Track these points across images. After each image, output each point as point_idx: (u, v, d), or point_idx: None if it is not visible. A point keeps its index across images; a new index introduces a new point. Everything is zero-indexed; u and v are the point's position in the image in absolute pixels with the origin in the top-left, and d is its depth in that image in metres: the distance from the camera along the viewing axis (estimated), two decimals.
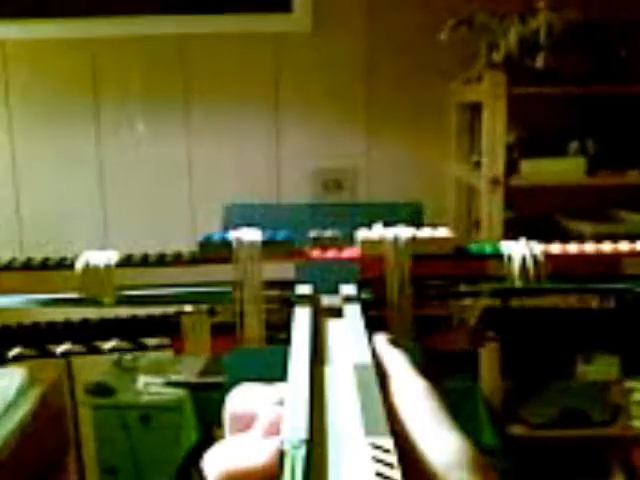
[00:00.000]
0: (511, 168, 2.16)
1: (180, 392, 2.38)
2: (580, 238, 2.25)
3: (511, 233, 2.25)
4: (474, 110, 2.41)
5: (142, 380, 2.45)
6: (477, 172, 2.23)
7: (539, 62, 2.15)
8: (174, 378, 2.43)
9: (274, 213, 2.43)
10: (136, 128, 2.60)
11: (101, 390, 2.42)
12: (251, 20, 2.50)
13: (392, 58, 2.54)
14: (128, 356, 2.55)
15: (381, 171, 2.60)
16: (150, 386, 2.43)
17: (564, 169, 2.23)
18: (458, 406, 2.12)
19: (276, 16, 2.50)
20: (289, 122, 2.59)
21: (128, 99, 2.58)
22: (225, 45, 2.54)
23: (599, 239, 1.83)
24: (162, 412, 2.38)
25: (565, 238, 1.99)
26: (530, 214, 2.40)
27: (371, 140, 2.59)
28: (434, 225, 0.47)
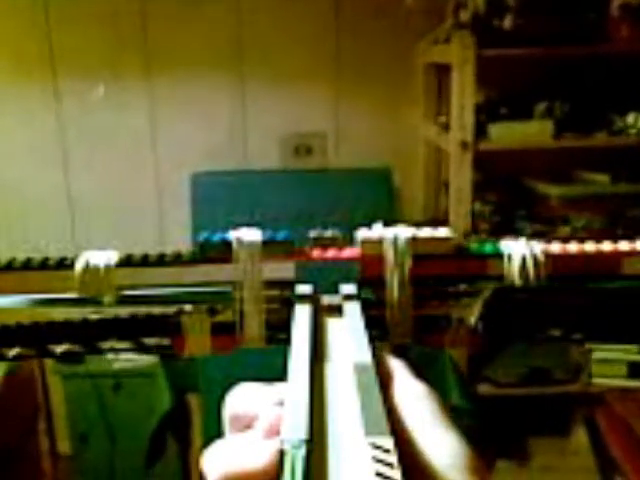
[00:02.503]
0: (479, 131, 2.16)
1: (152, 359, 2.37)
2: (546, 199, 2.28)
3: (479, 194, 2.27)
4: (441, 71, 2.41)
5: None
6: (446, 134, 2.24)
7: (507, 23, 2.15)
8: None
9: (243, 180, 2.42)
10: (97, 97, 2.51)
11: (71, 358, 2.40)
12: None
13: (360, 18, 2.49)
14: None
15: (351, 134, 2.58)
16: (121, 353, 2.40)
17: (531, 132, 2.24)
18: (426, 368, 2.15)
19: None
20: (255, 86, 2.53)
21: (87, 63, 2.49)
22: (187, 5, 2.47)
23: (564, 200, 1.85)
24: (134, 379, 2.36)
25: (532, 199, 2.01)
26: (498, 176, 2.42)
27: (340, 103, 2.56)
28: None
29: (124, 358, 2.39)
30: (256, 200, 2.28)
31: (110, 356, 2.40)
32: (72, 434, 2.44)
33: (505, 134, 2.22)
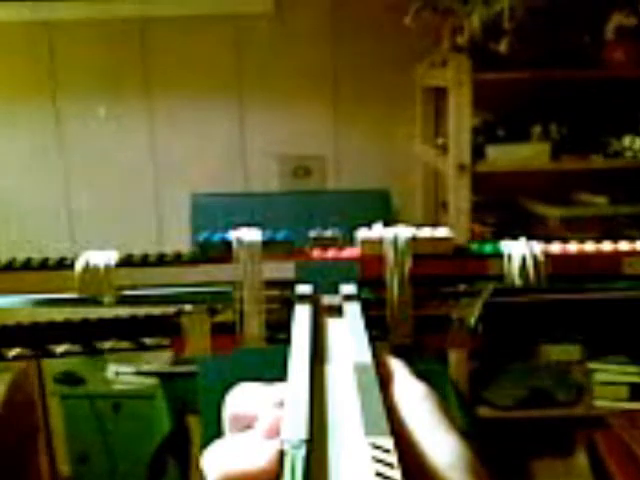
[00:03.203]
0: (477, 153, 2.17)
1: (151, 381, 2.37)
2: (545, 221, 2.28)
3: (478, 216, 2.27)
4: (439, 94, 2.42)
5: (112, 369, 2.43)
6: (443, 157, 2.24)
7: (503, 47, 2.16)
8: (145, 367, 2.41)
9: (242, 201, 2.42)
10: (98, 118, 2.52)
11: (70, 379, 2.39)
12: (212, 2, 2.45)
13: (357, 41, 2.51)
14: None
15: (349, 156, 2.59)
16: (121, 375, 2.41)
17: (529, 154, 2.25)
18: None
19: None
20: (254, 108, 2.55)
21: (87, 85, 2.51)
22: (186, 28, 2.48)
23: (563, 221, 1.85)
24: (134, 401, 2.36)
25: (530, 221, 2.02)
26: (496, 197, 2.43)
27: (338, 125, 2.57)
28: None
29: (124, 380, 2.38)
30: (255, 221, 2.27)
31: (110, 377, 2.40)
32: (72, 455, 2.43)
33: (503, 156, 2.22)
